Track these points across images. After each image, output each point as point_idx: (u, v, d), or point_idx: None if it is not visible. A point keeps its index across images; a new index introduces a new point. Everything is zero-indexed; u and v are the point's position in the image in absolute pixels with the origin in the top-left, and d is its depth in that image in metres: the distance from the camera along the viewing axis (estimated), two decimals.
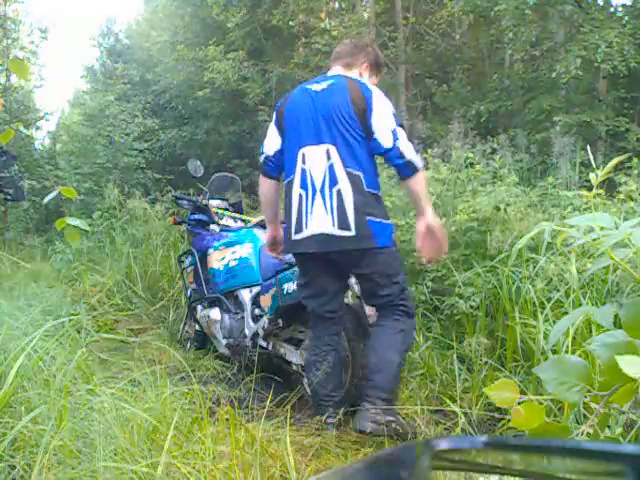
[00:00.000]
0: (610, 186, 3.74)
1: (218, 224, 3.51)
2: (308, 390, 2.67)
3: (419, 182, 2.14)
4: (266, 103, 10.18)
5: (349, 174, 2.08)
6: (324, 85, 2.19)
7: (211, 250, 3.34)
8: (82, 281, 4.77)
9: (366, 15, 9.82)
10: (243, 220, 3.67)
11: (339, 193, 2.08)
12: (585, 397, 0.87)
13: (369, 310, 2.57)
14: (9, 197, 4.27)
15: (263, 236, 3.35)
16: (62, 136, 11.92)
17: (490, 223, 3.18)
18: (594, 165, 1.07)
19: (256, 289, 3.08)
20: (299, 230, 2.15)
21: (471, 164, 3.78)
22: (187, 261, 3.74)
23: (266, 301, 2.89)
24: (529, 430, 0.88)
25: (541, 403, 0.95)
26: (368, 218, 2.09)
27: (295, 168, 2.16)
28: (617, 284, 2.56)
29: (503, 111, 8.72)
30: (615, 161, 1.00)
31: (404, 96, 9.70)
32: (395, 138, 2.09)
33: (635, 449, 0.45)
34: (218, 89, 10.06)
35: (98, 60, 15.21)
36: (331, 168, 2.09)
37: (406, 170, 2.11)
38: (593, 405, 0.90)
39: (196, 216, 3.63)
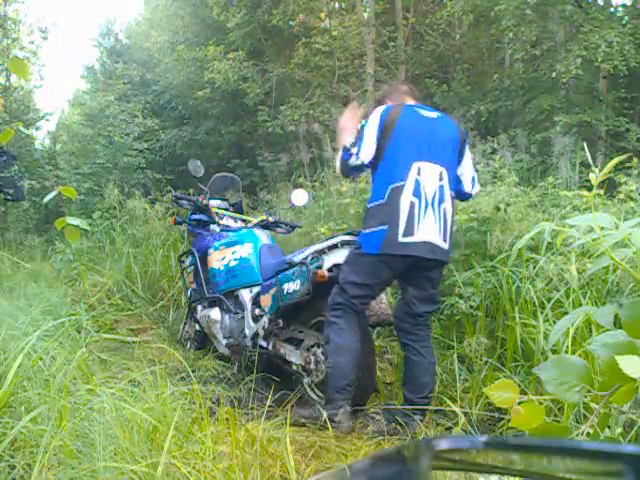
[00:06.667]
0: (610, 186, 3.74)
1: (218, 224, 3.50)
2: (308, 390, 2.68)
3: None
4: (266, 103, 10.17)
5: (451, 197, 2.40)
6: (434, 115, 2.47)
7: (211, 250, 3.34)
8: (82, 281, 4.76)
9: (366, 15, 9.81)
10: (243, 220, 3.66)
11: (445, 211, 2.35)
12: (585, 397, 0.87)
13: (369, 311, 2.58)
14: (9, 197, 4.26)
15: (263, 236, 3.36)
16: (62, 136, 11.90)
17: (490, 223, 3.18)
18: (592, 164, 1.07)
19: (256, 289, 3.08)
20: (409, 233, 2.27)
21: None
22: (187, 261, 3.74)
23: (266, 301, 2.90)
24: (529, 430, 0.88)
25: (541, 403, 0.95)
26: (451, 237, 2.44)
27: (407, 176, 2.31)
28: (617, 284, 2.56)
29: (503, 111, 8.71)
30: (615, 161, 1.00)
31: None
32: (473, 185, 2.56)
33: (635, 449, 0.45)
34: (218, 89, 10.06)
35: (98, 60, 15.19)
36: (441, 188, 2.35)
37: (464, 199, 2.64)
38: (593, 405, 0.90)
39: (196, 216, 3.63)
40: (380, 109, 2.43)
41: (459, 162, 2.47)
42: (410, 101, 2.56)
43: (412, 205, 2.27)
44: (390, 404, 2.54)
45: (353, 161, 2.37)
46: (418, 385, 2.39)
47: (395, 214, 2.27)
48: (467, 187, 2.53)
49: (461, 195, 2.57)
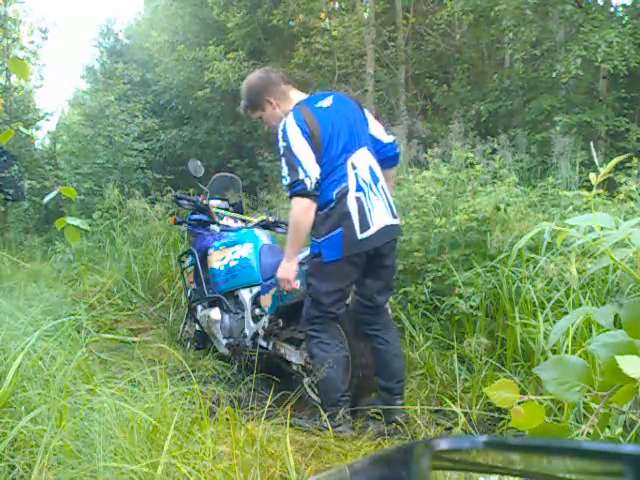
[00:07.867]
0: (610, 186, 3.74)
1: (218, 224, 3.50)
2: (308, 390, 2.68)
3: None
4: None
5: (381, 170, 2.39)
6: (330, 100, 2.39)
7: (211, 250, 3.34)
8: (82, 281, 4.76)
9: (366, 15, 9.81)
10: (243, 220, 3.66)
11: (383, 188, 2.36)
12: (585, 397, 0.87)
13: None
14: (9, 197, 4.27)
15: (263, 236, 3.36)
16: (62, 136, 11.90)
17: (490, 223, 3.17)
18: (597, 163, 1.07)
19: (256, 289, 3.08)
20: (365, 228, 2.26)
21: (471, 164, 3.78)
22: (187, 261, 3.74)
23: (266, 301, 2.90)
24: (529, 430, 0.88)
25: (541, 403, 0.95)
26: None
27: (347, 176, 2.28)
28: (617, 284, 2.56)
29: (503, 111, 8.71)
30: (615, 161, 1.00)
31: (404, 96, 9.70)
32: (388, 135, 2.53)
33: (635, 449, 0.45)
34: (218, 89, 10.05)
35: (98, 60, 15.18)
36: (371, 167, 2.35)
37: (397, 159, 2.57)
38: (593, 405, 0.90)
39: (196, 216, 3.63)
40: (290, 120, 2.26)
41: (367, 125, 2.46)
42: (295, 92, 2.47)
43: (359, 201, 2.26)
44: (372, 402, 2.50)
45: (310, 185, 2.19)
46: (392, 372, 2.42)
47: (346, 215, 2.24)
48: (384, 138, 2.48)
49: (386, 153, 2.47)
